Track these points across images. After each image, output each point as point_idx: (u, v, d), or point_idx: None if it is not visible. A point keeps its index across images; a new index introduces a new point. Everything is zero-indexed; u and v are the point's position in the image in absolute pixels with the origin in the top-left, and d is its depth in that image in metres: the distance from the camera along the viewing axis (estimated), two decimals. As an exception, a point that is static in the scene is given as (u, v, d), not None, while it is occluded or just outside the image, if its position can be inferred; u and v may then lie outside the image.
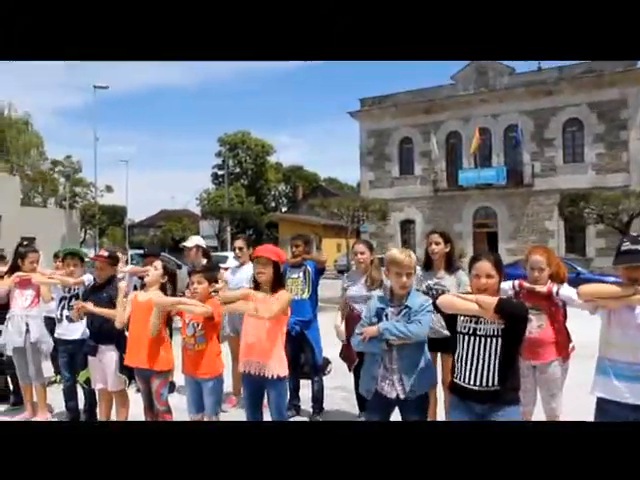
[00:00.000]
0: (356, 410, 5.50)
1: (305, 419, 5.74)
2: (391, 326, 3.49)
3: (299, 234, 6.28)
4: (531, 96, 30.55)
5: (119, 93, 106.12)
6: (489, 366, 3.14)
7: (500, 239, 31.45)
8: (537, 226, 30.67)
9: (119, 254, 6.69)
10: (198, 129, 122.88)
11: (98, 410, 5.30)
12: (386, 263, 3.68)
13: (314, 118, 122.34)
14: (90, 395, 5.31)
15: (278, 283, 4.15)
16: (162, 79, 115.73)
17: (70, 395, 5.59)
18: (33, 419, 5.67)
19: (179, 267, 19.67)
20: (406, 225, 34.79)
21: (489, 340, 3.16)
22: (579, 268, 18.71)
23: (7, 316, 5.77)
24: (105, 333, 4.93)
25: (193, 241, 6.79)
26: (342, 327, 5.35)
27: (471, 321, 3.22)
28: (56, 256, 7.24)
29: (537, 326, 4.07)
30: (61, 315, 5.43)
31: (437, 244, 4.89)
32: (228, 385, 6.11)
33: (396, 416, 3.73)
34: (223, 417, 4.49)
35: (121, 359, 4.85)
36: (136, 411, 5.01)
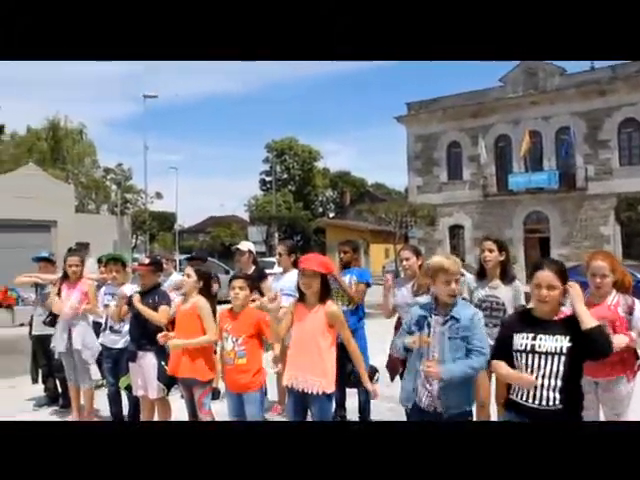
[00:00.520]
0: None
1: (351, 430, 5.58)
2: (454, 369, 3.27)
3: (347, 240, 6.14)
4: (583, 97, 29.53)
5: (167, 102, 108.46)
6: (549, 384, 2.95)
7: (552, 245, 30.52)
8: (591, 231, 29.64)
9: (164, 260, 6.73)
10: (245, 136, 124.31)
11: (141, 417, 5.29)
12: (431, 271, 3.47)
13: (360, 123, 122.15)
14: (133, 401, 5.31)
15: (326, 295, 3.92)
16: (209, 87, 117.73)
17: (114, 400, 5.62)
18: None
19: (227, 272, 19.79)
20: (455, 230, 34.19)
21: (550, 358, 2.97)
22: (638, 275, 17.93)
23: (58, 320, 5.86)
24: (146, 338, 4.91)
25: (247, 245, 6.71)
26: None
27: (528, 338, 3.04)
28: (100, 261, 7.33)
29: None
30: (106, 324, 5.47)
31: (490, 251, 4.66)
32: (274, 393, 6.03)
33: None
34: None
35: (162, 366, 4.82)
36: (180, 418, 4.95)
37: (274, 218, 47.52)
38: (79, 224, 33.25)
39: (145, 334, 4.88)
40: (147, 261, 5.23)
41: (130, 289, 5.33)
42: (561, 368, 2.94)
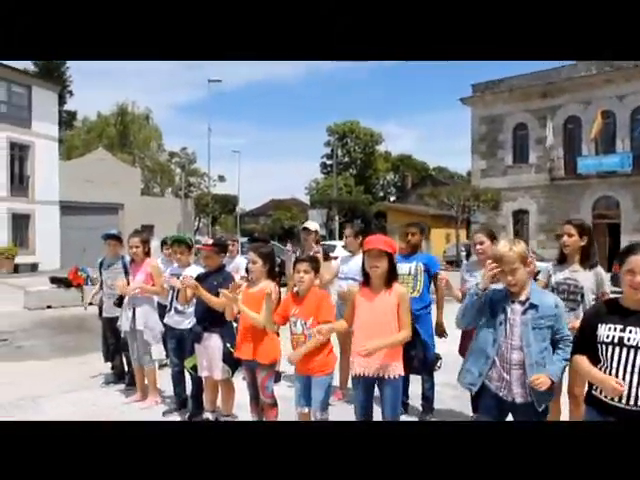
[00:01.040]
0: (468, 410, 5.14)
1: (414, 418, 5.47)
2: (557, 371, 3.18)
3: (415, 222, 5.91)
4: (663, 74, 28.00)
5: (231, 86, 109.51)
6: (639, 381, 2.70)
7: (623, 231, 29.11)
8: (667, 217, 28.23)
9: (229, 242, 6.74)
10: (307, 120, 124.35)
11: (204, 397, 5.34)
12: (493, 259, 3.30)
13: (423, 106, 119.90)
14: (197, 382, 5.35)
15: (393, 276, 3.84)
16: (270, 71, 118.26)
17: (178, 381, 5.68)
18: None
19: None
20: (519, 215, 33.18)
21: None
22: None
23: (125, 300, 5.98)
24: (211, 319, 4.92)
25: (314, 225, 6.59)
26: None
27: (616, 329, 2.78)
28: (164, 242, 7.42)
29: None
30: (171, 305, 5.51)
31: (570, 236, 4.44)
32: (335, 378, 5.97)
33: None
34: (330, 410, 4.32)
35: (227, 348, 4.82)
36: (243, 400, 4.96)
37: (334, 201, 47.45)
38: (145, 207, 34.33)
39: (210, 316, 4.89)
40: (211, 242, 5.23)
41: (195, 270, 5.35)
42: None
